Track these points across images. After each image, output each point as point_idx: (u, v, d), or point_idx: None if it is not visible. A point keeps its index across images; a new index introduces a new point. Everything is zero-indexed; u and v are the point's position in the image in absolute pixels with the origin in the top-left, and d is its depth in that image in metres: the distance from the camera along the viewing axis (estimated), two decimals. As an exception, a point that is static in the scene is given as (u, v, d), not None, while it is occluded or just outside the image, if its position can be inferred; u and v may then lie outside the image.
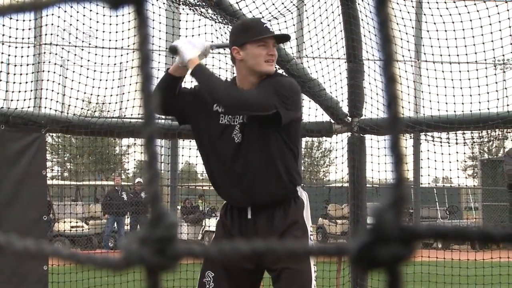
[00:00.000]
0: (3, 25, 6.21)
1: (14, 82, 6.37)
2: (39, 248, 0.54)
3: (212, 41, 3.81)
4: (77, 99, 6.86)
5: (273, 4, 6.40)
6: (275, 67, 3.51)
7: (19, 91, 6.29)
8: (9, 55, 6.36)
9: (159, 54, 7.86)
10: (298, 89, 3.48)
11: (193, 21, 6.95)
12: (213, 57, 7.17)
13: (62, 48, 7.20)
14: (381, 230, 0.48)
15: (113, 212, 17.07)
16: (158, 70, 7.57)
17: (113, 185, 18.25)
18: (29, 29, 6.49)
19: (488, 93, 6.19)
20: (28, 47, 6.60)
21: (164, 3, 7.06)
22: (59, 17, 6.59)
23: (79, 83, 6.83)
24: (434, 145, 6.76)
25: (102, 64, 7.01)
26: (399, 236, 0.48)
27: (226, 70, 7.04)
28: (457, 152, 6.99)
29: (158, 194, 0.53)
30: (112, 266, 0.53)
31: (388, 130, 0.49)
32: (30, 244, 0.53)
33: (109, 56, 7.07)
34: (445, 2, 6.21)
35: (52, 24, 6.62)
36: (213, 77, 3.39)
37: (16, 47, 6.40)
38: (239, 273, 3.37)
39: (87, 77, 6.88)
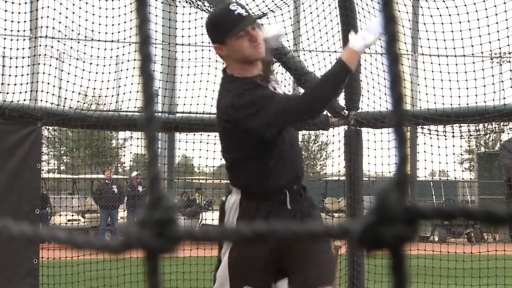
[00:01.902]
0: (-1, 18, 6.20)
1: (10, 75, 6.35)
2: (35, 232, 0.53)
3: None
4: (73, 92, 6.85)
5: (270, -3, 6.38)
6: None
7: (15, 84, 6.27)
8: (4, 47, 6.35)
9: (156, 47, 7.84)
10: None
11: (190, 14, 6.94)
12: (209, 50, 7.15)
13: (58, 41, 7.18)
14: (386, 211, 0.47)
15: (105, 206, 17.04)
16: (155, 63, 7.56)
17: (104, 178, 18.26)
18: (25, 21, 6.47)
19: (484, 86, 6.19)
20: (24, 39, 6.59)
21: (160, -4, 7.04)
22: (54, 9, 6.56)
23: (75, 76, 6.81)
24: (430, 138, 6.77)
25: (98, 57, 7.00)
26: (403, 216, 0.48)
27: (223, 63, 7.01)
28: (453, 145, 7.00)
29: (158, 177, 0.52)
30: (111, 250, 0.52)
31: (392, 110, 0.48)
32: (26, 228, 0.53)
33: (105, 49, 7.06)
34: (442, -5, 6.20)
35: (48, 16, 6.60)
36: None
37: (11, 40, 6.39)
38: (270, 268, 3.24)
39: (83, 70, 6.86)
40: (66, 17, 6.67)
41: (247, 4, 6.23)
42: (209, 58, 7.00)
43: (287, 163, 3.28)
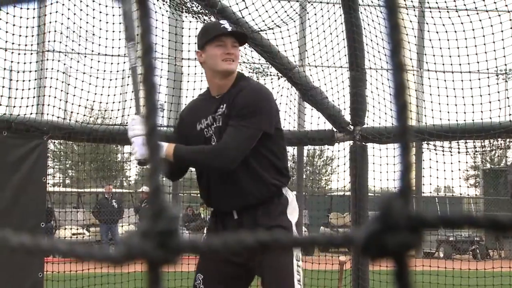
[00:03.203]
0: (6, 32, 6.23)
1: (17, 89, 6.37)
2: (36, 243, 0.53)
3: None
4: (79, 106, 6.86)
5: (276, 13, 6.41)
6: (247, 69, 3.59)
7: (22, 98, 6.29)
8: (12, 61, 6.37)
9: (162, 62, 7.87)
10: (266, 92, 3.52)
11: (196, 29, 6.96)
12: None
13: (65, 55, 7.21)
14: (390, 218, 0.47)
15: (104, 220, 16.97)
16: (161, 77, 7.57)
17: (104, 192, 18.20)
18: (32, 36, 6.50)
19: (490, 102, 6.18)
20: (31, 53, 6.61)
21: (167, 11, 7.07)
22: (62, 24, 6.60)
23: (82, 90, 6.83)
24: (436, 154, 6.75)
25: (104, 71, 7.02)
26: (407, 224, 0.47)
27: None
28: (459, 161, 6.98)
29: (160, 187, 0.52)
30: (113, 260, 0.52)
31: (396, 119, 0.48)
32: (27, 239, 0.52)
33: (111, 63, 7.08)
34: (448, 11, 6.22)
35: (55, 31, 6.63)
36: (193, 154, 3.42)
37: (19, 54, 6.41)
38: (228, 271, 3.40)
39: (90, 84, 6.88)
40: (73, 32, 6.70)
41: (253, 20, 6.27)
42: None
43: (205, 190, 3.54)
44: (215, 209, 3.56)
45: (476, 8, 6.03)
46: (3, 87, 6.32)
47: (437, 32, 6.21)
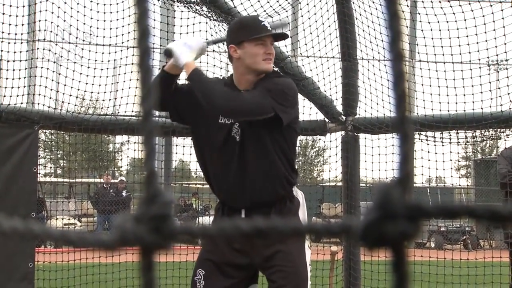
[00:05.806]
0: (-4, 21, 6.18)
1: (7, 78, 6.33)
2: (28, 228, 0.52)
3: (207, 39, 3.83)
4: (70, 95, 6.82)
5: (268, 2, 6.39)
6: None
7: (12, 87, 6.26)
8: (2, 51, 6.33)
9: (153, 51, 7.83)
10: (295, 88, 3.48)
11: (188, 18, 6.94)
12: (207, 55, 7.16)
13: (56, 45, 7.17)
14: (388, 207, 0.47)
15: (102, 210, 16.95)
16: (152, 67, 7.54)
17: (103, 182, 18.16)
18: (23, 25, 6.46)
19: (481, 93, 6.20)
20: (22, 43, 6.57)
21: (158, 0, 7.04)
22: (52, 13, 6.55)
23: (73, 79, 6.79)
24: (428, 144, 6.77)
25: (96, 61, 6.98)
26: (406, 213, 0.47)
27: (221, 68, 7.02)
28: (450, 152, 6.99)
29: (154, 172, 0.51)
30: (106, 245, 0.51)
31: (395, 108, 0.48)
32: (18, 224, 0.52)
33: (103, 53, 7.04)
34: (440, 2, 6.22)
35: (45, 20, 6.59)
36: (209, 83, 3.34)
37: (9, 43, 6.37)
38: (230, 272, 3.36)
39: (81, 73, 6.85)
40: (64, 21, 6.66)
41: (245, 9, 6.25)
42: (207, 63, 6.99)
43: (217, 182, 3.44)
44: (223, 202, 3.45)
45: (468, -2, 6.03)
46: (-7, 76, 6.29)
47: (429, 23, 6.20)
